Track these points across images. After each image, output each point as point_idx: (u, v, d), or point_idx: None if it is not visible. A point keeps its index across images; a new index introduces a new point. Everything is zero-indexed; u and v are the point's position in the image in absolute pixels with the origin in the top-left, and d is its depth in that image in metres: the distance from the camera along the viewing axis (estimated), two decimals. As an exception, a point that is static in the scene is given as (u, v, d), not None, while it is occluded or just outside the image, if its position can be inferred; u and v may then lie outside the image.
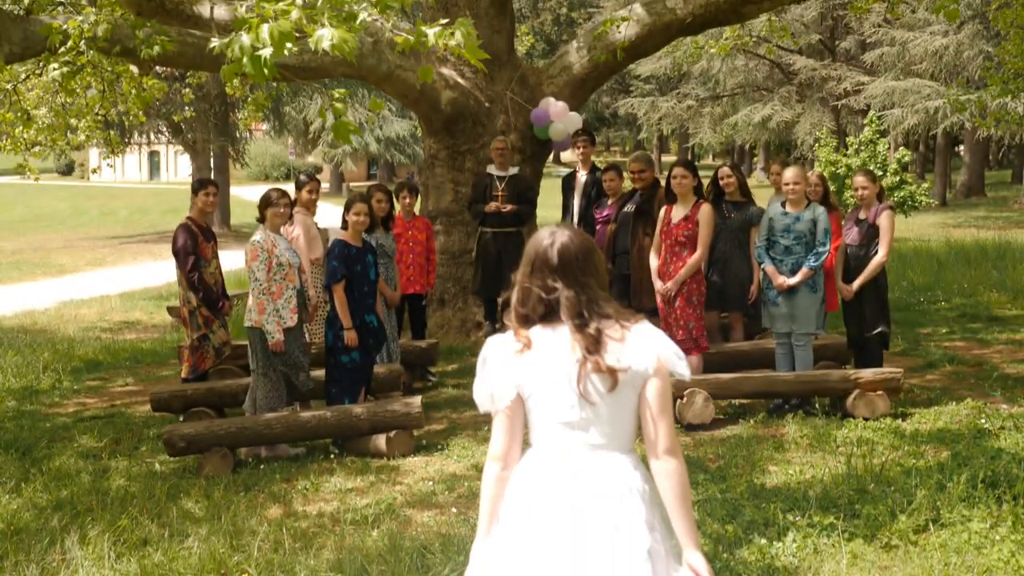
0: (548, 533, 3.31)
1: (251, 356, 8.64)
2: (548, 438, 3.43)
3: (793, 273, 9.01)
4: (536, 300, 3.46)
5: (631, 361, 3.36)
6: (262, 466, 8.15)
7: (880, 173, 26.59)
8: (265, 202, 8.64)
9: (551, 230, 3.55)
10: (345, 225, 8.95)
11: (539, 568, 3.28)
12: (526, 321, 3.48)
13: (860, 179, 9.50)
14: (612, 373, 3.33)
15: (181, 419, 9.23)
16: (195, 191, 9.64)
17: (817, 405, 9.04)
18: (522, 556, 3.33)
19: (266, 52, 4.31)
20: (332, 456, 8.33)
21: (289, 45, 4.33)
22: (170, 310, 14.57)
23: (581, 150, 12.02)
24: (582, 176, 11.87)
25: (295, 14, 4.41)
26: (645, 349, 3.41)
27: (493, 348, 3.50)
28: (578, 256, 3.48)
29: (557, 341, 3.41)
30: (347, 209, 8.91)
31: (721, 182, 10.44)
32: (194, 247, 9.31)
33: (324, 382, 8.95)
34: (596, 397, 3.35)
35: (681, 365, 3.47)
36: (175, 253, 9.42)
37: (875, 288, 9.33)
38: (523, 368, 3.41)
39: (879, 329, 9.38)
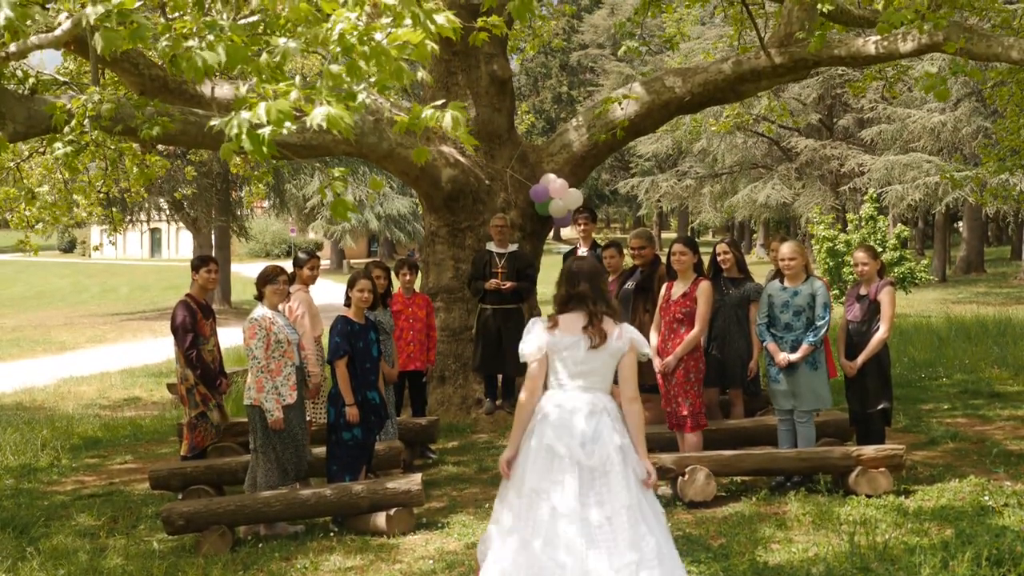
0: (559, 433, 5.60)
1: (251, 434, 8.60)
2: (559, 382, 5.78)
3: (794, 350, 9.01)
4: (565, 294, 5.85)
5: (617, 341, 5.75)
6: (261, 544, 8.08)
7: (880, 249, 26.64)
8: (264, 279, 8.66)
9: (573, 258, 6.28)
10: (348, 302, 8.96)
11: (557, 452, 5.55)
12: (559, 311, 5.84)
13: (860, 255, 9.50)
14: (602, 334, 5.71)
15: (180, 497, 9.18)
16: (196, 268, 9.67)
17: (821, 482, 8.98)
18: (547, 447, 5.59)
19: (265, 130, 4.34)
20: (332, 534, 8.27)
21: (288, 124, 4.37)
22: (170, 387, 14.54)
23: (582, 227, 12.06)
24: (583, 253, 11.90)
25: (294, 94, 4.45)
26: (625, 337, 5.80)
27: (535, 322, 5.89)
28: (590, 270, 5.90)
29: (575, 321, 5.76)
30: (351, 286, 8.93)
31: (718, 259, 10.47)
32: (193, 324, 9.33)
33: (325, 459, 8.91)
34: (592, 354, 5.70)
35: (645, 346, 5.95)
36: (173, 330, 9.43)
37: (877, 364, 9.30)
38: (550, 338, 5.75)
39: (881, 405, 9.34)
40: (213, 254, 35.65)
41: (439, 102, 5.01)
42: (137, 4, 4.53)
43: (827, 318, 8.98)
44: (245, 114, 4.37)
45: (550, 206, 12.70)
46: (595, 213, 12.54)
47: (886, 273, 9.66)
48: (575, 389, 5.71)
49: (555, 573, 5.30)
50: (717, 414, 10.34)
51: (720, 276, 10.42)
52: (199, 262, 9.76)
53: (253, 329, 8.41)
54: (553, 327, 5.74)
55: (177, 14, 5.06)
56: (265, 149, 4.33)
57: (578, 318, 5.73)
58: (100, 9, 4.41)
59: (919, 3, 9.99)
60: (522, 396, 5.81)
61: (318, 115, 4.35)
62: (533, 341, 5.75)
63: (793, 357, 8.99)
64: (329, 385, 9.10)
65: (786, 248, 9.15)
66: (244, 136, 4.33)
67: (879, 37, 11.28)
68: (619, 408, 5.80)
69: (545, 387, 5.82)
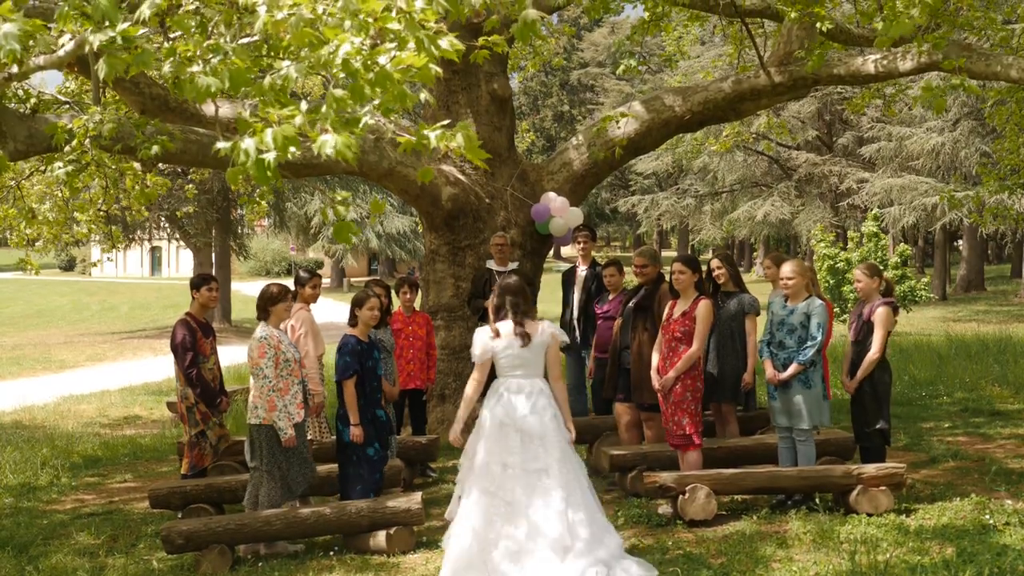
0: (507, 410, 7.33)
1: (253, 453, 8.55)
2: (504, 373, 7.51)
3: (786, 367, 9.01)
4: (498, 307, 7.58)
5: (540, 336, 7.47)
6: (261, 563, 8.07)
7: (881, 267, 26.66)
8: (271, 299, 8.64)
9: (503, 277, 7.83)
10: (353, 321, 8.96)
11: (510, 429, 7.26)
12: (496, 320, 7.55)
13: (857, 272, 9.59)
14: (527, 336, 7.42)
15: (179, 516, 9.17)
16: (198, 286, 9.68)
17: (819, 500, 8.97)
18: (498, 429, 7.30)
19: (270, 156, 4.34)
20: (332, 553, 8.25)
21: (292, 149, 4.37)
22: (169, 405, 14.52)
23: (581, 245, 12.09)
24: (582, 271, 11.94)
25: (299, 119, 4.45)
26: (547, 331, 7.54)
27: (480, 332, 7.61)
28: (515, 287, 7.57)
29: (508, 327, 7.47)
30: (359, 305, 8.93)
31: (713, 274, 10.46)
32: (193, 343, 9.33)
33: (340, 478, 8.86)
34: (524, 350, 7.41)
35: (563, 335, 7.76)
36: (173, 349, 9.43)
37: (871, 385, 9.35)
38: (494, 343, 7.48)
39: (878, 425, 9.36)
40: (213, 272, 35.64)
41: (445, 122, 5.01)
42: (141, 32, 4.54)
43: (819, 339, 8.93)
44: (250, 141, 4.37)
45: (550, 224, 12.72)
46: (594, 231, 12.56)
47: (893, 291, 9.68)
48: (517, 377, 7.48)
49: (505, 509, 7.12)
50: (722, 431, 10.33)
51: (716, 292, 10.41)
52: (200, 280, 9.77)
53: (263, 348, 8.42)
54: (495, 336, 7.50)
55: (178, 33, 5.06)
56: (270, 174, 4.34)
57: (509, 324, 7.49)
58: (105, 36, 4.42)
59: (917, 17, 9.99)
60: (468, 389, 7.70)
61: (328, 144, 4.35)
62: (479, 348, 7.58)
63: (782, 376, 9.01)
64: (330, 403, 9.10)
65: (786, 267, 9.18)
66: (250, 163, 4.33)
67: (879, 56, 11.31)
68: (550, 387, 7.60)
69: (495, 376, 7.61)
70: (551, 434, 7.29)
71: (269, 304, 8.63)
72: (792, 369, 8.96)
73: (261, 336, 8.50)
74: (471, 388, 7.64)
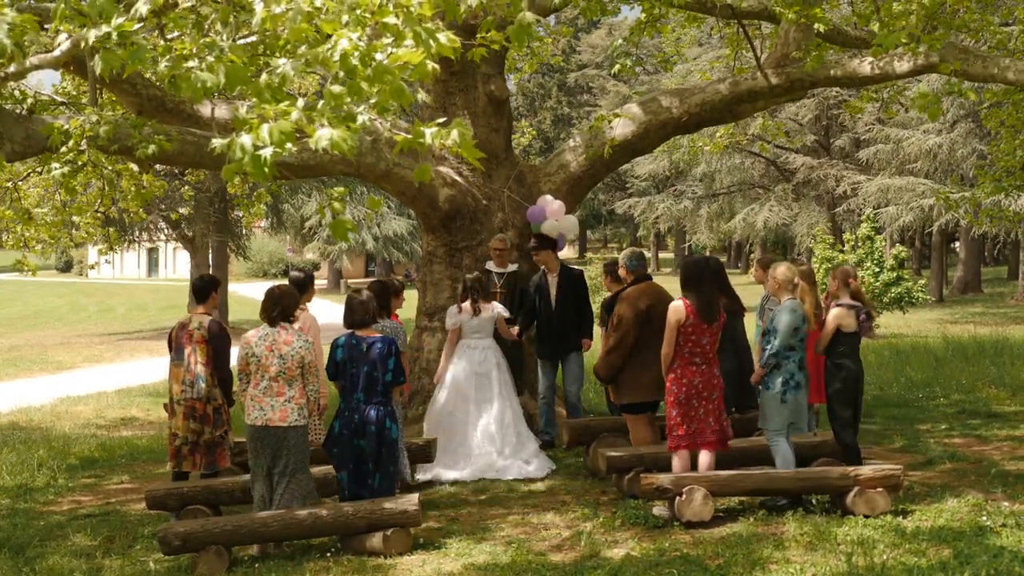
0: (468, 358, 11.13)
1: (282, 457, 8.44)
2: (467, 335, 11.20)
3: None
4: (463, 289, 11.25)
5: (490, 313, 11.12)
6: (257, 564, 8.05)
7: (877, 270, 26.69)
8: (293, 302, 8.64)
9: (466, 275, 11.65)
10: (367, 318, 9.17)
11: (469, 371, 11.07)
12: (462, 300, 11.17)
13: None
14: (479, 311, 11.04)
15: (176, 517, 9.14)
16: (216, 288, 9.80)
17: (815, 502, 8.97)
18: (461, 369, 11.11)
19: (266, 152, 4.34)
20: (328, 554, 8.24)
21: (289, 145, 4.37)
22: (166, 407, 14.48)
23: (537, 256, 12.09)
24: (552, 279, 11.89)
25: (295, 115, 4.45)
26: (495, 309, 11.22)
27: (451, 309, 11.34)
28: (475, 280, 11.21)
29: (469, 306, 11.07)
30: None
31: None
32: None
33: (385, 478, 8.87)
34: (479, 320, 11.08)
35: (504, 311, 11.39)
36: (220, 349, 9.48)
37: (827, 382, 9.56)
38: (460, 317, 11.14)
39: (834, 422, 9.57)
40: (211, 273, 35.63)
41: (441, 120, 5.01)
42: (137, 27, 4.53)
43: (776, 342, 8.92)
44: (246, 137, 4.37)
45: (542, 226, 12.67)
46: (553, 242, 12.34)
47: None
48: (475, 338, 11.13)
49: (455, 424, 10.91)
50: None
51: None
52: (216, 282, 9.94)
53: (313, 351, 8.51)
54: (459, 311, 11.10)
55: (175, 34, 5.06)
56: (267, 171, 4.33)
57: (469, 305, 11.03)
58: (100, 31, 4.42)
59: (913, 26, 10.00)
60: (446, 347, 11.38)
61: (323, 137, 4.36)
62: (450, 320, 11.22)
63: (752, 378, 9.15)
64: (332, 404, 9.17)
65: (779, 268, 9.29)
66: (246, 159, 4.33)
67: (875, 58, 11.32)
68: (497, 345, 11.25)
69: (462, 337, 11.19)
70: (495, 375, 11.04)
71: (287, 307, 8.62)
72: (756, 372, 9.14)
73: (308, 339, 8.52)
74: (447, 348, 11.36)
